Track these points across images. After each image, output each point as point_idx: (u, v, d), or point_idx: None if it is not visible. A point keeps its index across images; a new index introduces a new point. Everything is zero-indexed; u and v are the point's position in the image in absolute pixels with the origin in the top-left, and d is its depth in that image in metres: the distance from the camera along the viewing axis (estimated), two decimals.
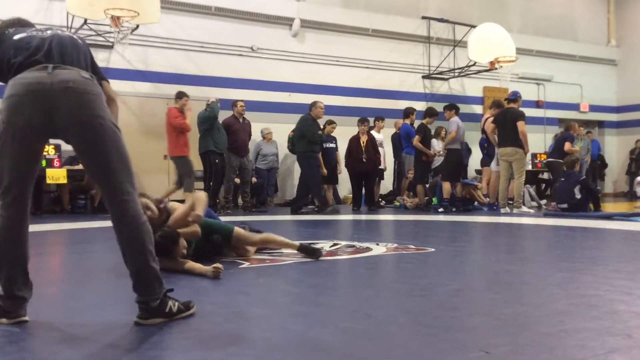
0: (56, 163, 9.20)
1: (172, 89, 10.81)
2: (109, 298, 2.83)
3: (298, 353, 1.87)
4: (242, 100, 9.78)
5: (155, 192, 9.64)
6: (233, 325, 2.26)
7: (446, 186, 9.01)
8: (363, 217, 8.50)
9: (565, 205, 8.10)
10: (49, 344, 2.05)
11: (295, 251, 4.05)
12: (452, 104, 9.93)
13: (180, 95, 8.80)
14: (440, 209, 8.90)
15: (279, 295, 2.96)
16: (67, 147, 9.73)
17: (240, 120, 9.67)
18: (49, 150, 9.22)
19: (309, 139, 8.91)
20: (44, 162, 9.08)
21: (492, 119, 9.16)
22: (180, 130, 8.60)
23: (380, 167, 10.42)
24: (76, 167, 9.50)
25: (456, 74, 13.28)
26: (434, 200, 9.58)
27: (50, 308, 2.58)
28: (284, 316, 2.49)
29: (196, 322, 2.31)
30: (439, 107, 10.36)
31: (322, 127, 9.59)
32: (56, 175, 8.99)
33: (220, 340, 2.04)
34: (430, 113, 9.82)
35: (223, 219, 4.53)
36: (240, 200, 10.18)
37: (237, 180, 9.76)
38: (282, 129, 11.42)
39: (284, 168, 12.00)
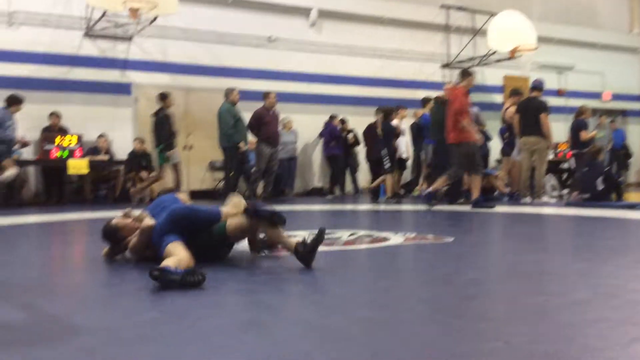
0: (78, 154, 9.30)
1: (191, 80, 10.89)
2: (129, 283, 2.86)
3: (314, 341, 1.88)
4: (273, 92, 9.77)
5: (168, 182, 9.70)
6: (250, 314, 2.27)
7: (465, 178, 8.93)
8: (382, 207, 8.47)
9: (587, 195, 7.99)
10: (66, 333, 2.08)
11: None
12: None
13: None
14: (461, 200, 8.83)
15: (296, 284, 2.97)
16: (88, 138, 9.89)
17: (271, 111, 9.69)
18: (71, 141, 9.33)
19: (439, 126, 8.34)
20: (65, 153, 9.19)
21: (513, 107, 9.04)
22: None
23: (401, 156, 10.39)
24: (97, 158, 9.61)
25: (476, 63, 13.13)
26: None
27: (81, 294, 2.62)
28: (301, 305, 2.49)
29: (213, 310, 2.32)
30: None
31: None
32: (78, 166, 9.10)
33: (236, 327, 2.05)
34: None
35: None
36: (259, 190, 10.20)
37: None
38: (300, 119, 11.43)
39: (304, 158, 12.01)
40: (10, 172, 8.43)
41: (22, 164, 9.19)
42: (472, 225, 5.86)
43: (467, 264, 3.45)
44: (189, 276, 2.62)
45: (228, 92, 9.27)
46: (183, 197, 3.82)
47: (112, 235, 3.47)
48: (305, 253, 3.23)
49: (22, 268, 3.48)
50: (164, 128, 9.31)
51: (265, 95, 9.67)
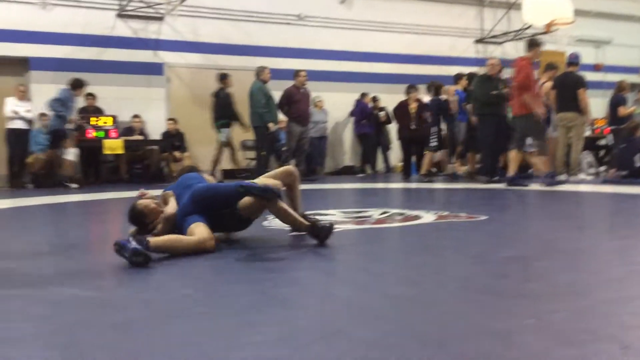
0: (113, 134, 9.47)
1: (222, 59, 10.92)
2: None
3: (347, 319, 1.89)
4: (304, 70, 9.75)
5: (208, 162, 9.83)
6: (283, 291, 2.30)
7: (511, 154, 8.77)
8: (413, 185, 8.43)
9: (625, 172, 7.81)
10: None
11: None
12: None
13: None
14: (496, 177, 8.70)
15: (328, 262, 2.99)
16: (123, 119, 10.04)
17: (301, 90, 9.67)
18: (107, 122, 9.49)
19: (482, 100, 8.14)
20: (101, 133, 9.37)
21: (549, 83, 8.83)
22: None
23: None
24: (132, 138, 9.77)
25: (510, 38, 12.84)
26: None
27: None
28: (332, 282, 2.51)
29: (246, 288, 2.36)
30: None
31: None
32: (113, 146, 9.27)
33: (270, 305, 2.08)
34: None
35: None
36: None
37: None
38: (330, 97, 11.39)
39: (335, 136, 12.00)
40: (72, 151, 8.92)
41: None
42: (507, 203, 5.79)
43: (501, 242, 3.42)
44: (135, 256, 2.68)
45: (259, 71, 9.27)
46: (207, 177, 3.82)
47: (138, 220, 3.53)
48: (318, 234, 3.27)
49: (59, 246, 3.58)
50: (226, 106, 9.52)
51: (295, 74, 9.65)
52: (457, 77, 10.19)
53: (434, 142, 8.94)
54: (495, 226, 4.04)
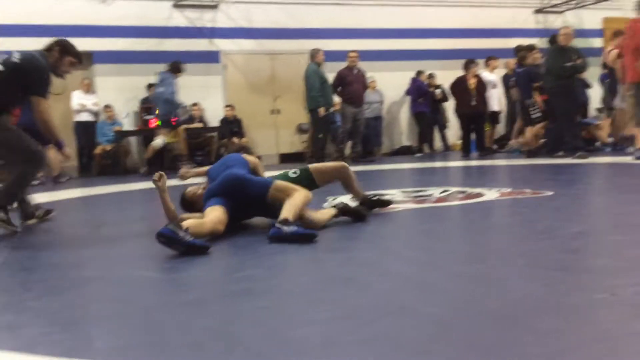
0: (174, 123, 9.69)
1: (275, 44, 10.97)
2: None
3: (410, 295, 1.89)
4: (354, 51, 9.69)
5: (265, 147, 9.96)
6: (346, 269, 2.32)
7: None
8: (473, 162, 8.27)
9: None
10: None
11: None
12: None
13: None
14: (560, 152, 8.42)
15: (389, 240, 2.99)
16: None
17: (355, 71, 9.61)
18: None
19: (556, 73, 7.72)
20: (159, 122, 9.63)
21: (615, 51, 8.42)
22: None
23: (494, 109, 10.03)
24: (192, 126, 9.99)
25: (572, 6, 12.30)
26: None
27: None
28: (395, 261, 2.51)
29: (311, 267, 2.39)
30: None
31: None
32: (174, 134, 9.50)
33: (333, 282, 2.10)
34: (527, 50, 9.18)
35: None
36: (347, 151, 10.24)
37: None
38: (385, 76, 11.26)
39: (390, 117, 11.89)
40: (160, 139, 9.15)
41: (123, 134, 9.73)
42: (573, 178, 5.60)
43: (570, 217, 3.31)
44: (192, 250, 2.62)
45: (314, 53, 9.24)
46: (251, 158, 3.81)
47: (189, 207, 3.63)
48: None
49: (127, 231, 3.72)
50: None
51: (348, 55, 9.59)
52: (518, 50, 9.86)
53: (536, 114, 8.50)
54: (562, 201, 3.92)
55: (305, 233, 2.86)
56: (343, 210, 3.41)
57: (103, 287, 2.26)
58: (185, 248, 2.61)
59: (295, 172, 3.54)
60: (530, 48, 8.86)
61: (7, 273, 2.56)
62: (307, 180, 3.46)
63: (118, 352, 1.49)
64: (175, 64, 8.91)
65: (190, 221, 2.89)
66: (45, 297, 2.11)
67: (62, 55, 3.92)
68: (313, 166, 3.59)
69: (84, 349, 1.52)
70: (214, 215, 3.07)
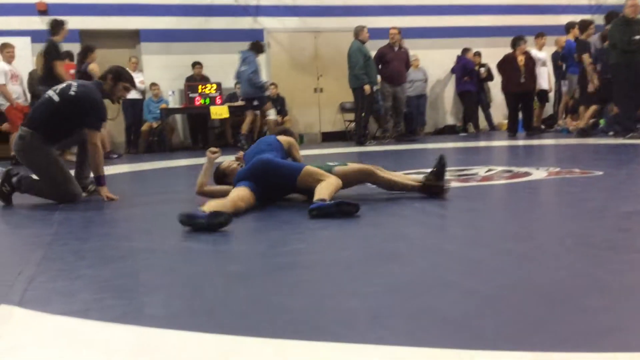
0: (218, 101, 9.81)
1: (319, 22, 10.91)
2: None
3: (456, 271, 1.88)
4: (394, 28, 9.54)
5: (307, 125, 9.97)
6: (391, 245, 2.31)
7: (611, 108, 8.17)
8: (520, 142, 8.09)
9: None
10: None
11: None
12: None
13: None
14: (611, 132, 8.16)
15: (433, 217, 2.96)
16: (226, 85, 10.33)
17: (395, 48, 9.46)
18: (212, 89, 9.83)
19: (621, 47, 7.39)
20: (207, 100, 9.74)
21: None
22: None
23: (543, 88, 9.76)
24: (236, 104, 10.08)
25: None
26: (601, 122, 8.82)
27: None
28: (441, 238, 2.49)
29: (355, 242, 2.40)
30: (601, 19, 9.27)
31: None
32: (219, 112, 9.62)
33: (378, 257, 2.10)
34: (584, 26, 8.83)
35: (372, 149, 4.53)
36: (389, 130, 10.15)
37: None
38: (429, 54, 11.08)
39: (434, 95, 11.72)
40: (272, 112, 9.57)
41: (169, 112, 9.90)
42: (624, 158, 5.42)
43: (620, 197, 3.22)
44: (213, 218, 2.62)
45: (358, 31, 9.13)
46: (285, 139, 3.82)
47: (221, 178, 3.68)
48: (435, 182, 3.27)
49: (185, 205, 3.80)
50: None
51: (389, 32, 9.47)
52: (569, 26, 9.54)
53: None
54: (612, 181, 3.80)
55: (348, 203, 2.88)
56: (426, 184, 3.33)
57: (152, 257, 2.32)
58: (208, 218, 2.62)
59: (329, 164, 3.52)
60: (590, 22, 8.57)
61: (60, 242, 2.65)
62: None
63: (167, 319, 1.53)
64: (258, 44, 9.10)
65: (212, 203, 2.91)
66: (98, 265, 2.18)
67: (115, 83, 4.05)
68: (339, 168, 3.44)
69: (134, 316, 1.57)
70: (236, 193, 3.13)
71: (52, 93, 3.95)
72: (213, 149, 3.68)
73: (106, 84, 4.02)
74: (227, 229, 2.65)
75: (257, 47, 9.03)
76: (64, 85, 4.02)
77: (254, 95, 9.03)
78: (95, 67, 7.78)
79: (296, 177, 3.22)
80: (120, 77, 4.05)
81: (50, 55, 7.17)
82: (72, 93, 3.87)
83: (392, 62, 9.30)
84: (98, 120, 3.94)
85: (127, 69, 9.53)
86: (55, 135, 3.96)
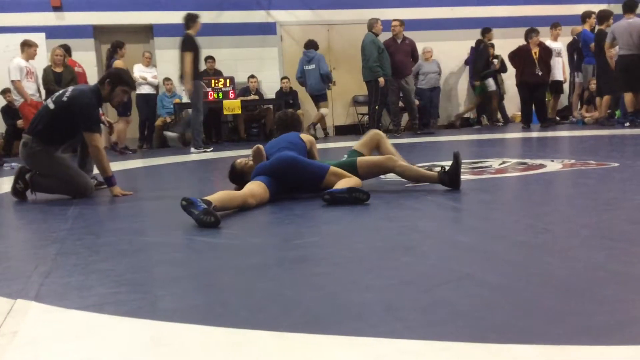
0: (231, 95, 9.82)
1: (331, 15, 10.88)
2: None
3: (471, 264, 1.86)
4: (397, 20, 9.48)
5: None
6: (405, 237, 2.30)
7: (627, 97, 8.07)
8: (534, 134, 8.02)
9: None
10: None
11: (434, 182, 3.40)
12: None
13: None
14: (627, 123, 8.06)
15: (448, 211, 2.95)
16: (240, 79, 10.35)
17: (398, 41, 9.40)
18: (226, 83, 9.85)
19: None
20: (220, 95, 9.75)
21: None
22: None
23: (558, 79, 9.67)
24: (249, 98, 10.10)
25: None
26: (617, 113, 8.71)
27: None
28: (455, 230, 2.48)
29: (369, 235, 2.39)
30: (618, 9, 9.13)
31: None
32: (232, 106, 9.63)
33: (392, 250, 2.10)
34: (604, 16, 8.69)
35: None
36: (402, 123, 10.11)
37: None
38: (443, 46, 10.99)
39: (448, 87, 11.63)
40: (325, 110, 9.96)
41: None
42: None
43: (636, 189, 3.17)
44: (204, 215, 2.60)
45: (372, 23, 9.08)
46: (307, 138, 3.77)
47: (238, 178, 3.67)
48: (451, 177, 3.27)
49: None
50: (482, 59, 10.15)
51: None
52: (585, 16, 9.41)
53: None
54: (628, 173, 3.76)
55: (359, 190, 2.91)
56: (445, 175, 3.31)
57: (166, 251, 2.33)
58: (201, 212, 2.60)
59: (345, 156, 3.53)
60: (610, 13, 8.45)
61: (75, 237, 2.68)
62: (350, 169, 3.42)
63: (181, 312, 1.53)
64: (315, 43, 9.79)
65: (220, 193, 2.90)
66: (112, 259, 2.19)
67: (113, 88, 4.08)
68: (362, 159, 3.51)
69: (149, 310, 1.58)
70: (249, 188, 3.11)
71: (49, 101, 4.10)
72: (259, 148, 3.53)
73: (104, 89, 4.07)
74: (241, 222, 2.65)
75: (314, 45, 9.66)
76: (60, 91, 4.15)
77: (322, 91, 9.70)
78: (120, 63, 7.98)
79: (323, 176, 3.25)
80: (118, 81, 4.08)
81: (185, 47, 7.61)
82: (64, 99, 3.97)
83: (395, 55, 9.23)
84: (91, 123, 3.97)
85: (141, 64, 9.71)
86: (56, 139, 4.05)
